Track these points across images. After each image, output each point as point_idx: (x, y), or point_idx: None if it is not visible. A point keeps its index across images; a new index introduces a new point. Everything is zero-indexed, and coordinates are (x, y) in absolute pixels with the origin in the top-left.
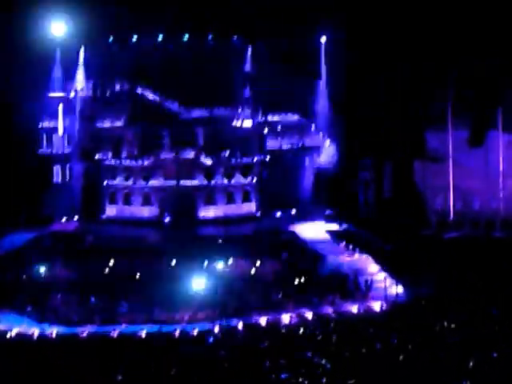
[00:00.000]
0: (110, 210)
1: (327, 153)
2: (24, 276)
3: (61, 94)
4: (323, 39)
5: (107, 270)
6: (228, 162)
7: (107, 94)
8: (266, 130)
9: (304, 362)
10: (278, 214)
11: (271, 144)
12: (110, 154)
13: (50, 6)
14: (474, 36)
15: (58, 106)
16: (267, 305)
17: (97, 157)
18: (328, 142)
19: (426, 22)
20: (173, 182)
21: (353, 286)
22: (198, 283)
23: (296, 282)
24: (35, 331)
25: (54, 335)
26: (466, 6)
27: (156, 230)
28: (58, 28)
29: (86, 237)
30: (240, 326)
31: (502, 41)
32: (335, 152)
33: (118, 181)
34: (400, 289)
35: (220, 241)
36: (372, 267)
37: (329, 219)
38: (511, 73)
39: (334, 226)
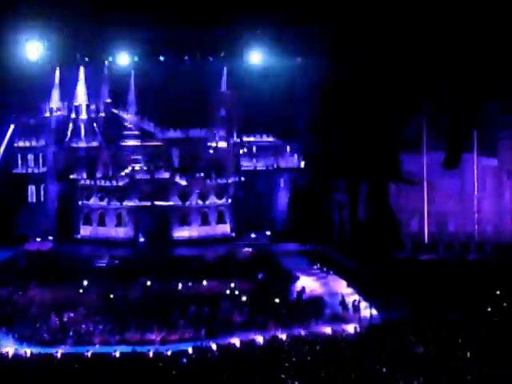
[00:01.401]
0: (85, 230)
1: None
2: None
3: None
4: (298, 60)
5: (81, 290)
6: (203, 182)
7: (83, 115)
8: (241, 151)
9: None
10: (253, 235)
11: (246, 165)
12: (84, 174)
13: (24, 29)
14: (449, 60)
15: (33, 126)
16: (241, 326)
17: (71, 177)
18: (303, 163)
19: (400, 47)
20: (147, 203)
21: (340, 307)
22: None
23: (270, 304)
24: (9, 351)
25: (28, 355)
26: (439, 32)
27: (130, 251)
28: (32, 50)
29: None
30: (214, 347)
31: (476, 65)
32: (310, 173)
33: (93, 201)
34: (374, 311)
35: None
36: (345, 289)
37: (303, 240)
38: (485, 96)
39: (309, 248)
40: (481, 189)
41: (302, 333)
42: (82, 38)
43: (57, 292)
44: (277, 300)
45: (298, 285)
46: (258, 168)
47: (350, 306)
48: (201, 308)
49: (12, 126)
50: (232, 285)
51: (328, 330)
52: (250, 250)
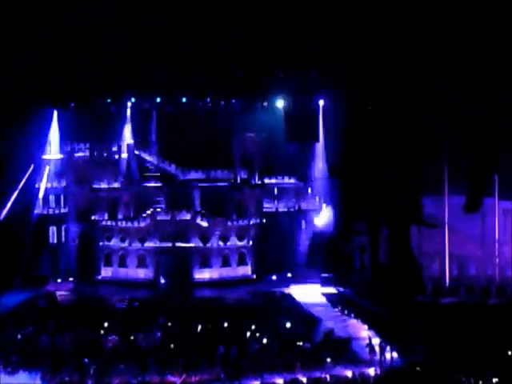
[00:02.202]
0: (105, 272)
1: (324, 216)
2: (19, 336)
3: (57, 156)
4: (321, 102)
5: (102, 331)
6: (224, 224)
7: (104, 156)
8: (262, 193)
9: None
10: (274, 277)
11: (267, 206)
12: (105, 215)
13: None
14: (471, 101)
15: (54, 167)
16: (262, 369)
17: (93, 218)
18: (324, 205)
19: (420, 86)
20: (168, 244)
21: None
22: None
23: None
24: None
25: None
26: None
27: (151, 292)
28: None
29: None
30: None
31: (498, 106)
32: (332, 215)
33: (114, 242)
34: (395, 354)
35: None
36: (366, 332)
37: (325, 283)
38: (507, 141)
39: (330, 290)
40: (502, 233)
41: (323, 375)
42: (106, 78)
43: (77, 333)
44: (300, 343)
45: (326, 326)
46: (280, 210)
47: (377, 348)
48: (228, 348)
49: (48, 168)
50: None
51: (349, 373)
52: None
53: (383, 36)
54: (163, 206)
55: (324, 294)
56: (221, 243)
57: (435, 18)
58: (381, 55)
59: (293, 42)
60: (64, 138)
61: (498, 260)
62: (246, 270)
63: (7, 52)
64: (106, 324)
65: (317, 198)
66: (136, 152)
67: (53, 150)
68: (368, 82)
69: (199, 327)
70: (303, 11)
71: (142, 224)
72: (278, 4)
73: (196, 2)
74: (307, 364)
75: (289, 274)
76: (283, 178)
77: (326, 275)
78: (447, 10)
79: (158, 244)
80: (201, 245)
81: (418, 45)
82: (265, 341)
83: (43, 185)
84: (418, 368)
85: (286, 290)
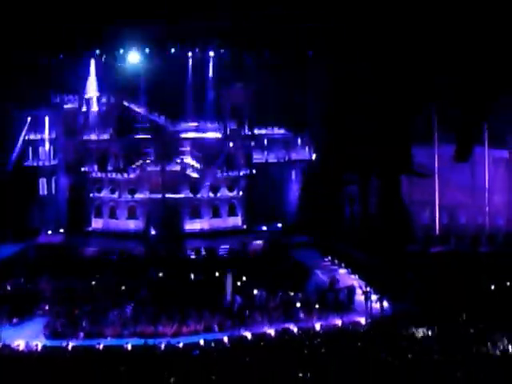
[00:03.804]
0: (96, 223)
1: None
2: (9, 287)
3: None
4: (311, 54)
5: (93, 282)
6: (214, 175)
7: (93, 107)
8: (252, 144)
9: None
10: (264, 227)
11: (257, 157)
12: (95, 167)
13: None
14: (460, 52)
15: (44, 119)
16: (253, 319)
17: (83, 169)
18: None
19: (411, 37)
20: (158, 195)
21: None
22: None
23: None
24: (21, 343)
25: (39, 348)
26: (451, 23)
27: (142, 243)
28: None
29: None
30: (225, 339)
31: (488, 57)
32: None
33: (104, 194)
34: (385, 303)
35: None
36: (356, 282)
37: (314, 233)
38: (496, 88)
39: (320, 240)
40: (492, 181)
41: (315, 325)
42: (94, 30)
43: (68, 285)
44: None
45: (330, 275)
46: (269, 160)
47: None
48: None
49: (29, 119)
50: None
51: (339, 321)
52: (261, 242)
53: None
54: (153, 157)
55: (314, 245)
56: (211, 194)
57: None
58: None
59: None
60: (53, 89)
61: (488, 208)
62: (237, 220)
63: None
64: (97, 275)
65: (306, 149)
66: (125, 103)
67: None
68: (356, 31)
69: (191, 277)
70: None
71: (132, 175)
72: None
73: None
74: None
75: (279, 225)
76: (273, 129)
77: (315, 226)
78: None
79: (148, 195)
80: (191, 196)
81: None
82: (255, 291)
83: (33, 136)
84: (408, 316)
85: (277, 241)
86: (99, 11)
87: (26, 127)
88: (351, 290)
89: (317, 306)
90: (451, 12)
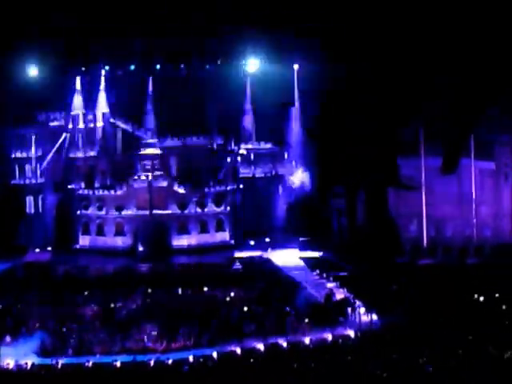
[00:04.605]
0: (84, 240)
1: (299, 176)
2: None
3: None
4: (296, 66)
5: (81, 300)
6: (201, 190)
7: (80, 125)
8: (238, 159)
9: None
10: (252, 242)
11: (244, 172)
12: (82, 184)
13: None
14: (446, 64)
15: (31, 137)
16: (242, 334)
17: (69, 187)
18: (301, 169)
19: (397, 50)
20: (146, 212)
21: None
22: None
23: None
24: (10, 362)
25: (28, 366)
26: (438, 36)
27: (130, 260)
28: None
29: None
30: (215, 355)
31: (475, 69)
32: (308, 178)
33: (91, 211)
34: (374, 316)
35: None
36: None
37: (302, 246)
38: (482, 101)
39: (308, 254)
40: (479, 192)
41: (304, 339)
42: (80, 47)
43: (56, 302)
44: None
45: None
46: (257, 175)
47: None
48: (200, 317)
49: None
50: (232, 293)
51: (329, 336)
52: (240, 267)
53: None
54: (140, 173)
55: (302, 258)
56: (198, 210)
57: None
58: (357, 19)
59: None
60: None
61: (475, 220)
62: (224, 235)
63: None
64: (85, 292)
65: (293, 163)
66: (111, 120)
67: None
68: (343, 44)
69: (179, 293)
70: None
71: (119, 192)
72: None
73: None
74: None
75: (267, 239)
76: (259, 144)
77: (303, 239)
78: None
79: (135, 212)
80: (178, 211)
81: (395, 7)
82: (245, 308)
83: (19, 154)
84: (396, 329)
85: (265, 255)
86: (85, 27)
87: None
88: (347, 303)
89: (306, 320)
90: (442, 22)
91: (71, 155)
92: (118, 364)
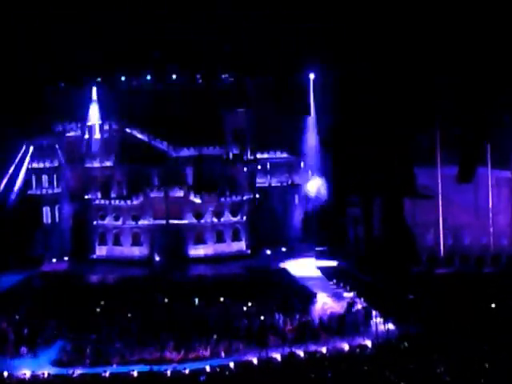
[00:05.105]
0: (100, 250)
1: (315, 184)
2: (16, 316)
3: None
4: (312, 76)
5: (98, 310)
6: (217, 200)
7: (96, 135)
8: (255, 168)
9: None
10: (268, 251)
11: (260, 181)
12: (99, 194)
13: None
14: (462, 73)
15: (47, 147)
16: (259, 344)
17: (86, 197)
18: (317, 178)
19: (413, 61)
20: (162, 222)
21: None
22: None
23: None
24: (27, 372)
25: (46, 376)
26: (454, 45)
27: (146, 270)
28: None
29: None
30: (232, 365)
31: (490, 79)
32: (324, 187)
33: (108, 221)
34: (391, 326)
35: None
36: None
37: (319, 256)
38: (499, 110)
39: (325, 263)
40: (495, 201)
41: (321, 349)
42: (96, 58)
43: (74, 312)
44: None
45: (348, 297)
46: (273, 184)
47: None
48: (217, 327)
49: (31, 148)
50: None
51: (345, 345)
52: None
53: (373, 7)
54: (156, 183)
55: (319, 268)
56: (215, 219)
57: None
58: (370, 26)
59: (280, 17)
60: (56, 118)
61: (492, 229)
62: (241, 245)
63: None
64: (102, 302)
65: (309, 172)
66: (128, 130)
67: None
68: (358, 53)
69: (196, 303)
70: None
71: (136, 202)
72: None
73: None
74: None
75: (283, 249)
76: (275, 153)
77: (320, 249)
78: None
79: (151, 222)
80: (195, 221)
81: (409, 13)
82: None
83: (36, 165)
84: (413, 339)
85: (281, 265)
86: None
87: (28, 156)
88: (368, 312)
89: (324, 330)
90: (453, 29)
91: (88, 165)
92: (135, 374)
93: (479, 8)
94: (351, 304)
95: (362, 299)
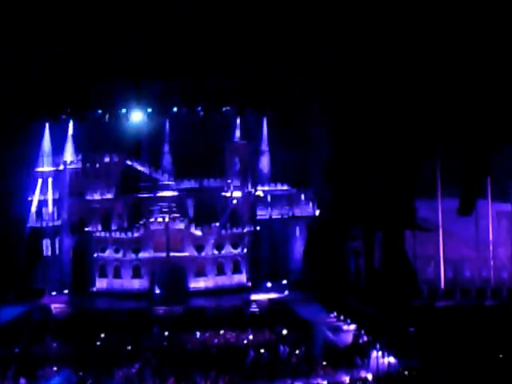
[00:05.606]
0: (100, 283)
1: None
2: (16, 350)
3: (50, 168)
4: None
5: (98, 343)
6: (218, 232)
7: (96, 167)
8: (255, 200)
9: None
10: (269, 284)
11: (261, 214)
12: (99, 227)
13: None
14: (462, 106)
15: (47, 180)
16: (261, 378)
17: (86, 229)
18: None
19: (413, 94)
20: (163, 254)
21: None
22: None
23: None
24: None
25: None
26: (453, 77)
27: (147, 303)
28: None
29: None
30: None
31: (489, 110)
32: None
33: (108, 253)
34: (392, 359)
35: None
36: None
37: (319, 289)
38: (499, 143)
39: (324, 296)
40: (496, 234)
41: (320, 382)
42: (97, 89)
43: (73, 345)
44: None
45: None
46: (273, 217)
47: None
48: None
49: (40, 181)
50: (251, 336)
51: (346, 378)
52: (257, 309)
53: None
54: (157, 215)
55: (319, 300)
56: (215, 252)
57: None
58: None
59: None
60: (56, 151)
61: (492, 262)
62: (241, 277)
63: None
64: (102, 335)
65: (310, 204)
66: (128, 162)
67: (45, 163)
68: (357, 85)
69: (197, 336)
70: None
71: (136, 234)
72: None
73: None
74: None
75: (284, 281)
76: (276, 185)
77: (319, 281)
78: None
79: (152, 254)
80: (195, 254)
81: (406, 47)
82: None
83: (36, 198)
84: (415, 372)
85: (282, 297)
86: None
87: (38, 188)
88: (371, 345)
89: (324, 363)
90: (451, 66)
91: (88, 197)
92: None
93: (478, 47)
94: (357, 336)
95: (363, 332)
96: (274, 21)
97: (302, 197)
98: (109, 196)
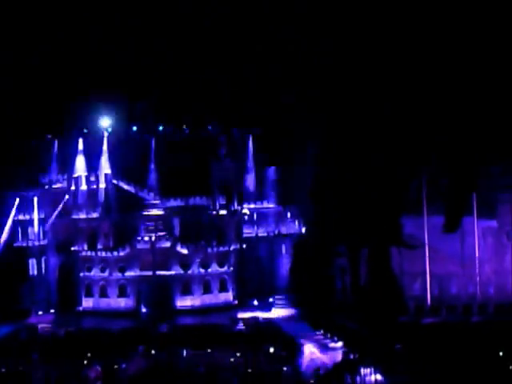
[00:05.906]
0: (87, 302)
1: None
2: (2, 369)
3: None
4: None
5: (85, 362)
6: (204, 250)
7: (82, 186)
8: (241, 218)
9: None
10: (256, 302)
11: (247, 232)
12: (85, 246)
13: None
14: (449, 123)
15: (33, 199)
16: None
17: (72, 249)
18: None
19: (399, 114)
20: (149, 273)
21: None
22: None
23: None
24: None
25: None
26: (438, 94)
27: (133, 322)
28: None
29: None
30: None
31: (476, 129)
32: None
33: (94, 272)
34: (378, 376)
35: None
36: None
37: (305, 306)
38: (484, 160)
39: (311, 314)
40: (482, 251)
41: None
42: (81, 109)
43: (59, 365)
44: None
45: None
46: (260, 234)
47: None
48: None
49: (17, 200)
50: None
51: None
52: (244, 328)
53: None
54: (143, 234)
55: (305, 318)
56: (202, 270)
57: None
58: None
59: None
60: (41, 170)
61: (478, 278)
62: (228, 296)
63: None
64: (88, 354)
65: (296, 222)
66: (114, 181)
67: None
68: (342, 103)
69: (183, 354)
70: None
71: (122, 253)
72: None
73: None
74: None
75: (270, 299)
76: (262, 203)
77: (306, 299)
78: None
79: (138, 273)
80: (181, 272)
81: (394, 61)
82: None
83: (22, 217)
84: None
85: (268, 316)
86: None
87: (14, 208)
88: (359, 362)
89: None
90: (437, 87)
91: (74, 217)
92: None
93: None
94: (347, 353)
95: (349, 349)
96: (259, 40)
97: (288, 214)
98: (95, 215)
